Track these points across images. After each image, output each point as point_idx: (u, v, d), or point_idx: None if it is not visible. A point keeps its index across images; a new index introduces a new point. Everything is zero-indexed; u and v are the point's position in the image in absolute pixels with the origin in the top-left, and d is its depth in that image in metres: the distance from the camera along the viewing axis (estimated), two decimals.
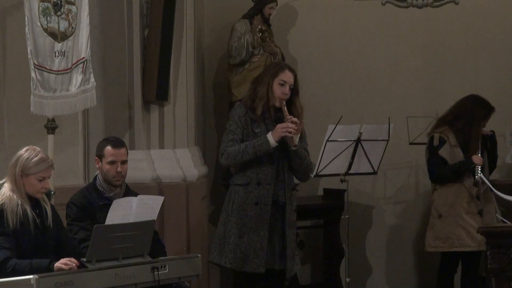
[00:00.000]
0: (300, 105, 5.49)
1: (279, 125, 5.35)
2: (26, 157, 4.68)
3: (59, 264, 4.53)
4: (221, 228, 5.51)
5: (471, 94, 6.46)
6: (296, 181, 5.71)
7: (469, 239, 6.26)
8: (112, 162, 5.22)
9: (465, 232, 6.27)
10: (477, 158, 6.19)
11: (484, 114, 6.32)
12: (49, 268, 4.54)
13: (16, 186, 4.65)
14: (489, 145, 6.42)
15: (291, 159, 5.47)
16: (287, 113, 5.37)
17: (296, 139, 5.37)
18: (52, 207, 4.87)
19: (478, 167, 6.18)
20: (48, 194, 4.90)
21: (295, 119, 5.37)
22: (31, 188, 4.68)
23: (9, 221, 4.58)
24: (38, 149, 4.77)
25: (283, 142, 5.40)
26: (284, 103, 5.39)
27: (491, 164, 6.51)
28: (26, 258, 4.58)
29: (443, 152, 6.30)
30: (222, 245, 5.45)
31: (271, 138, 5.34)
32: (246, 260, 5.38)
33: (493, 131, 6.48)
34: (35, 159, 4.67)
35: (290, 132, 5.32)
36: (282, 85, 5.40)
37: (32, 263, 4.55)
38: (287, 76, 5.42)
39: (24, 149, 4.74)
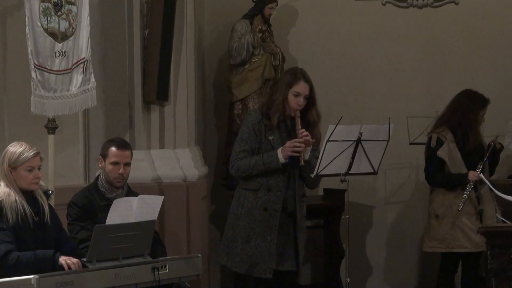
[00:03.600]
0: (317, 113, 5.47)
1: (288, 143, 5.31)
2: (10, 151, 4.74)
3: (63, 260, 4.55)
4: (229, 230, 5.47)
5: (464, 89, 6.49)
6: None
7: (465, 240, 6.25)
8: (115, 163, 5.23)
9: (462, 233, 6.27)
10: (472, 175, 6.18)
11: (479, 106, 6.34)
12: (53, 258, 4.56)
13: (9, 182, 4.69)
14: (492, 154, 6.40)
15: (301, 168, 5.44)
16: (300, 127, 5.32)
17: (306, 153, 5.35)
18: (50, 206, 4.89)
19: (470, 185, 6.17)
20: (46, 193, 4.90)
21: (306, 134, 5.32)
22: (22, 181, 4.70)
23: (9, 217, 4.61)
24: (23, 142, 4.81)
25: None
26: (298, 114, 5.35)
27: (490, 171, 6.51)
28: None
29: (441, 153, 6.31)
30: (231, 248, 5.43)
31: (281, 156, 5.31)
32: (253, 265, 5.36)
33: (501, 144, 6.49)
34: (19, 150, 4.72)
35: (297, 152, 5.29)
36: (296, 96, 5.37)
37: (36, 253, 4.58)
38: (302, 87, 5.39)
39: (9, 145, 4.81)
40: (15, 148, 4.74)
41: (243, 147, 5.39)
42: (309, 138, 5.33)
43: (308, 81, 5.45)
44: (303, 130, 5.33)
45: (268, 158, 5.33)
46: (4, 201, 4.64)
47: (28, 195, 4.75)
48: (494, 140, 6.37)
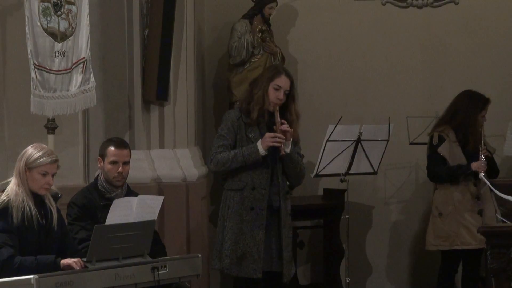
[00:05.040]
0: (295, 111, 5.45)
1: (267, 134, 5.31)
2: (30, 151, 4.75)
3: (65, 262, 4.55)
4: (219, 234, 5.49)
5: (464, 90, 6.51)
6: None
7: (469, 237, 6.27)
8: (113, 162, 5.24)
9: (466, 230, 6.29)
10: (476, 165, 6.20)
11: (480, 106, 6.38)
12: (55, 263, 4.56)
13: (21, 181, 4.70)
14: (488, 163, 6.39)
15: (284, 163, 5.44)
16: (279, 120, 5.31)
17: (287, 146, 5.34)
18: (58, 210, 4.89)
19: (481, 174, 6.17)
20: (55, 197, 4.91)
21: (286, 126, 5.32)
22: (34, 183, 4.70)
23: (14, 217, 4.61)
24: (44, 145, 4.85)
25: (275, 147, 5.37)
26: (277, 109, 5.34)
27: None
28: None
29: (442, 150, 6.33)
30: (220, 251, 5.44)
31: (260, 147, 5.31)
32: (243, 265, 5.35)
33: (489, 152, 6.45)
34: (39, 153, 4.73)
35: (278, 142, 5.29)
36: (277, 90, 5.36)
37: (37, 258, 4.58)
38: (282, 81, 5.37)
39: (31, 145, 4.81)
40: (36, 150, 4.74)
41: (222, 142, 5.40)
42: (289, 129, 5.32)
43: (289, 76, 5.44)
44: (284, 121, 5.32)
45: (247, 150, 5.33)
46: (11, 200, 4.65)
47: (37, 198, 4.76)
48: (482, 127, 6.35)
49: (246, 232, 5.35)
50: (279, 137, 5.28)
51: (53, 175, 4.77)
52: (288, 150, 5.35)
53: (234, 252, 5.36)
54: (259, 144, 5.31)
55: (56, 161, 4.77)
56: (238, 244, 5.36)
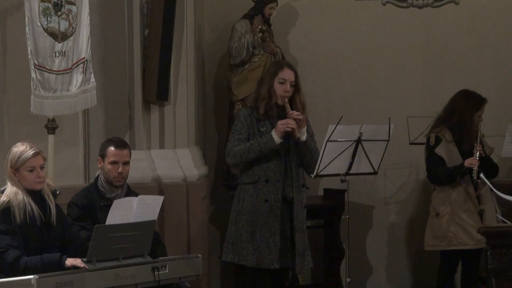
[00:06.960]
0: (301, 101, 5.58)
1: (279, 122, 5.42)
2: (13, 152, 4.77)
3: (69, 263, 4.56)
4: (232, 227, 5.55)
5: (461, 90, 6.52)
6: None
7: (466, 237, 6.28)
8: (113, 163, 5.24)
9: (463, 230, 6.30)
10: (468, 161, 6.20)
11: (476, 106, 6.37)
12: (60, 262, 4.57)
13: (14, 183, 4.71)
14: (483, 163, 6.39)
15: (301, 153, 5.52)
16: (290, 109, 5.43)
17: (301, 133, 5.41)
18: (57, 206, 4.90)
19: (474, 168, 6.17)
20: (54, 193, 4.91)
21: (297, 113, 5.42)
22: (26, 181, 4.72)
23: (16, 216, 4.63)
24: (26, 143, 4.82)
25: (289, 137, 5.44)
26: (287, 101, 5.45)
27: (491, 177, 6.49)
28: (34, 255, 4.61)
29: (439, 150, 6.35)
30: (235, 244, 5.51)
31: (275, 135, 5.41)
32: (260, 257, 5.41)
33: (484, 152, 6.43)
34: (19, 151, 4.74)
35: (290, 128, 5.35)
36: (282, 83, 5.46)
37: (42, 258, 4.59)
38: (286, 74, 5.50)
39: (14, 145, 4.82)
40: (17, 149, 4.76)
41: (237, 136, 5.51)
42: (301, 117, 5.43)
43: (292, 68, 5.60)
44: (293, 111, 5.43)
45: (262, 139, 5.44)
46: (12, 200, 4.66)
47: (35, 195, 4.77)
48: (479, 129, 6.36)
49: (262, 225, 5.42)
50: (290, 122, 5.36)
51: (41, 168, 4.76)
52: (304, 137, 5.43)
53: (251, 244, 5.43)
54: (273, 133, 5.42)
55: (38, 153, 4.77)
56: (254, 236, 5.42)
